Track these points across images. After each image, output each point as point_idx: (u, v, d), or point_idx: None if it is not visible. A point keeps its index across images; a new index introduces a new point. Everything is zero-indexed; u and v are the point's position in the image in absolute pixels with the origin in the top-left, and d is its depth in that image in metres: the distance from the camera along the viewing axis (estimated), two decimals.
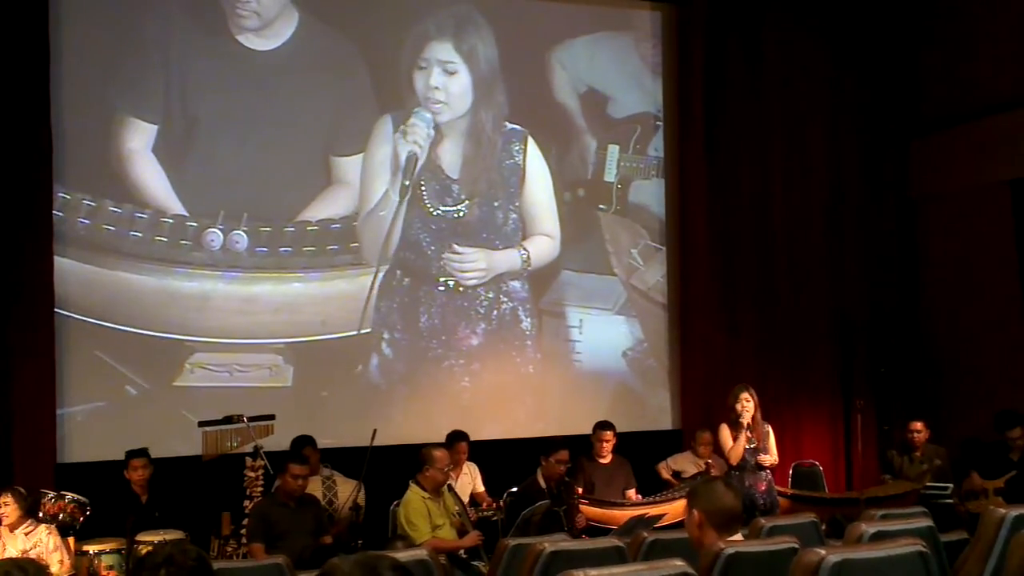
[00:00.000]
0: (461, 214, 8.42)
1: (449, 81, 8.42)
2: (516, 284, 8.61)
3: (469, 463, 7.70)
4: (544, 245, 8.75)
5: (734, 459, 7.22)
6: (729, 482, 3.83)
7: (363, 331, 8.12)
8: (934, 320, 9.37)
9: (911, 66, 9.52)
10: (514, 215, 8.64)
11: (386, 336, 8.22)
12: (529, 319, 8.64)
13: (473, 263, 8.45)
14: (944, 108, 9.25)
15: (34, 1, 7.22)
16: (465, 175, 8.46)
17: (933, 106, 9.38)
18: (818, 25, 9.42)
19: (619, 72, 9.08)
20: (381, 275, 8.17)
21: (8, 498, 5.94)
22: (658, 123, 9.14)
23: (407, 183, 8.22)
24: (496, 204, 8.58)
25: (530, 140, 8.71)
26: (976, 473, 7.60)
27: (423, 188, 8.33)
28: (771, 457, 7.34)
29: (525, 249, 8.62)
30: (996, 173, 8.66)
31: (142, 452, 6.83)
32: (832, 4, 9.45)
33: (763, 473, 7.28)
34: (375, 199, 8.22)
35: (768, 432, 7.39)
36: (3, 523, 5.91)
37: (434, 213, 8.35)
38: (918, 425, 8.05)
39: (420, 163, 8.27)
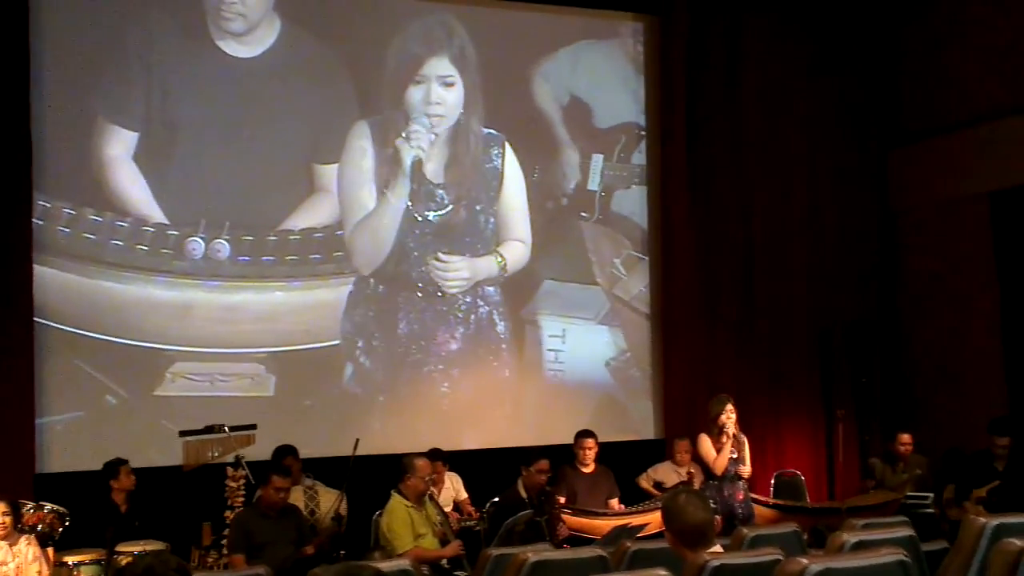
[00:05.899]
0: (446, 218, 8.43)
1: (447, 93, 8.46)
2: (491, 289, 8.62)
3: (449, 474, 7.69)
4: (518, 250, 8.75)
5: (719, 469, 7.19)
6: (696, 495, 3.80)
7: (343, 340, 8.11)
8: (914, 330, 9.42)
9: (890, 78, 9.59)
10: (492, 219, 8.67)
11: (360, 344, 8.18)
12: (503, 322, 8.63)
13: (457, 272, 8.46)
14: (923, 120, 9.31)
15: (14, 7, 7.18)
16: (450, 180, 8.47)
17: (912, 118, 9.45)
18: (798, 36, 9.47)
19: (602, 83, 9.10)
20: (353, 282, 8.18)
21: (7, 508, 5.85)
22: (642, 133, 9.18)
23: (414, 186, 8.29)
24: (479, 208, 8.60)
25: (507, 145, 8.73)
26: (953, 486, 7.63)
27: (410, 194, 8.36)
28: (748, 468, 7.35)
29: (502, 256, 8.64)
30: (975, 185, 8.73)
31: (124, 462, 6.79)
32: (812, 15, 9.51)
33: (740, 483, 7.29)
34: (361, 208, 8.21)
35: (744, 442, 7.41)
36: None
37: (419, 219, 8.36)
38: (906, 438, 8.06)
39: (424, 168, 8.32)
